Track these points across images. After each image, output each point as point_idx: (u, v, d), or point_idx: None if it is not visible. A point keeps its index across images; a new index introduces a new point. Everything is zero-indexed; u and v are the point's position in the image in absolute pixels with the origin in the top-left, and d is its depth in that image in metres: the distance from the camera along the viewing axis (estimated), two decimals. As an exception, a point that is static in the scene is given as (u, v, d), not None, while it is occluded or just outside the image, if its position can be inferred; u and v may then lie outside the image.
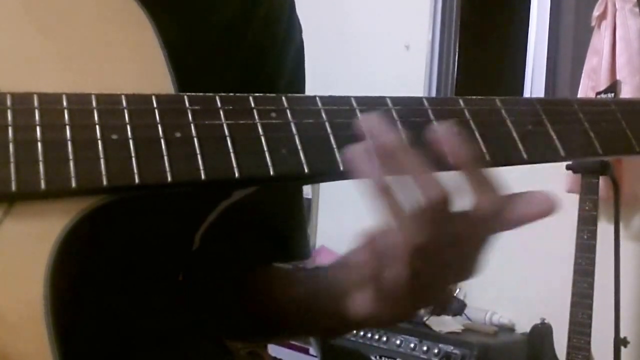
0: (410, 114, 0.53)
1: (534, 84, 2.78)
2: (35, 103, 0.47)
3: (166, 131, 0.48)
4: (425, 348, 2.34)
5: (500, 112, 0.55)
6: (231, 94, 0.51)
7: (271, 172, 0.48)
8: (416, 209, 0.47)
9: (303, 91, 0.75)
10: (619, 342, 2.02)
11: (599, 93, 2.16)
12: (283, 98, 0.51)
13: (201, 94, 0.50)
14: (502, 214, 0.50)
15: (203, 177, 0.47)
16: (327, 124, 0.51)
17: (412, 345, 2.36)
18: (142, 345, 0.61)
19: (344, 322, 0.58)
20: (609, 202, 2.17)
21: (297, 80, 0.75)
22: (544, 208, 0.52)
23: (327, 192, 3.02)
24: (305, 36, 0.77)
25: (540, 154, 0.55)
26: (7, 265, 0.44)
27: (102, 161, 0.46)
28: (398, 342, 2.39)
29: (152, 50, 0.54)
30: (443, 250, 0.49)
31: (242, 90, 0.52)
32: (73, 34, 0.53)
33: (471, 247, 0.51)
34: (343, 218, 3.01)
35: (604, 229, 2.12)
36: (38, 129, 0.46)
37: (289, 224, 0.76)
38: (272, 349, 2.86)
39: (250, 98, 0.51)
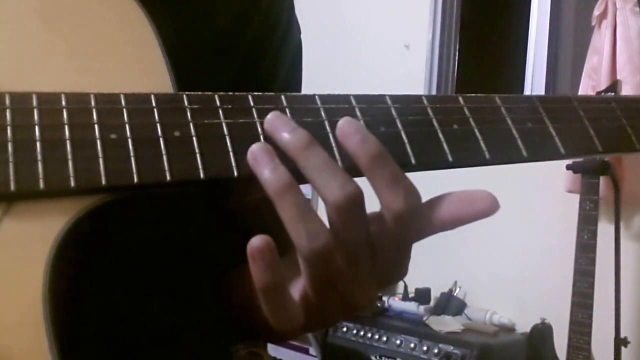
0: (409, 112, 0.53)
1: (534, 84, 2.79)
2: (34, 103, 0.47)
3: (165, 130, 0.48)
4: (425, 348, 2.34)
5: (500, 109, 0.55)
6: (230, 92, 0.51)
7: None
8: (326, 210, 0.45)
9: (298, 92, 0.75)
10: (619, 342, 2.02)
11: (599, 92, 2.16)
12: (282, 97, 0.51)
13: (200, 92, 0.50)
14: (419, 215, 0.47)
15: (202, 176, 0.47)
16: (326, 123, 0.50)
17: (412, 345, 2.36)
18: (141, 345, 0.61)
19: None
20: (609, 202, 2.17)
21: (293, 81, 0.75)
22: (484, 207, 0.48)
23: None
24: (305, 36, 0.77)
25: (541, 152, 0.55)
26: (6, 264, 0.43)
27: (100, 160, 0.45)
28: (398, 342, 2.40)
29: (151, 49, 0.53)
30: (356, 253, 0.46)
31: (239, 91, 0.52)
32: (72, 33, 0.53)
33: (389, 251, 0.48)
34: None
35: (604, 229, 2.12)
36: (37, 128, 0.46)
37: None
38: (272, 349, 2.86)
39: (250, 97, 0.51)
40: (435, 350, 2.32)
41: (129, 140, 0.47)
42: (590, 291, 2.01)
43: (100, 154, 0.46)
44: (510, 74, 2.98)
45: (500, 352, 2.37)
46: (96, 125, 0.47)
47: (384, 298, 2.60)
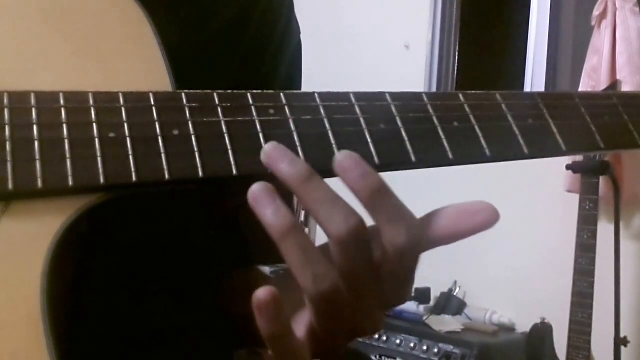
0: (409, 109, 0.53)
1: (534, 84, 2.79)
2: (33, 102, 0.47)
3: (164, 129, 0.48)
4: (425, 347, 2.34)
5: (501, 106, 0.55)
6: (229, 91, 0.51)
7: (269, 170, 0.48)
8: (326, 246, 0.44)
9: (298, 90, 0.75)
10: (619, 342, 2.02)
11: (599, 92, 2.15)
12: (281, 95, 0.51)
13: (199, 91, 0.50)
14: (418, 237, 0.46)
15: (201, 174, 0.47)
16: (325, 120, 0.50)
17: (412, 344, 2.36)
18: (141, 345, 0.61)
19: None
20: (609, 201, 2.17)
21: (293, 80, 0.75)
22: (484, 220, 0.47)
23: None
24: (305, 36, 0.77)
25: (542, 149, 0.54)
26: (4, 263, 0.43)
27: (99, 159, 0.45)
28: (398, 341, 2.39)
29: (150, 48, 0.53)
30: (361, 285, 0.45)
31: (239, 90, 0.52)
32: (72, 32, 0.53)
33: (393, 277, 0.47)
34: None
35: (604, 229, 2.12)
36: (35, 127, 0.46)
37: None
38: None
39: (249, 95, 0.51)
40: (435, 350, 2.32)
41: (128, 139, 0.47)
42: (590, 291, 2.01)
43: (98, 153, 0.46)
44: (510, 74, 2.98)
45: (500, 352, 2.37)
46: (95, 124, 0.47)
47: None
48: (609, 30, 2.33)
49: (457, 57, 3.06)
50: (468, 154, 0.53)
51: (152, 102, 0.49)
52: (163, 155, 0.46)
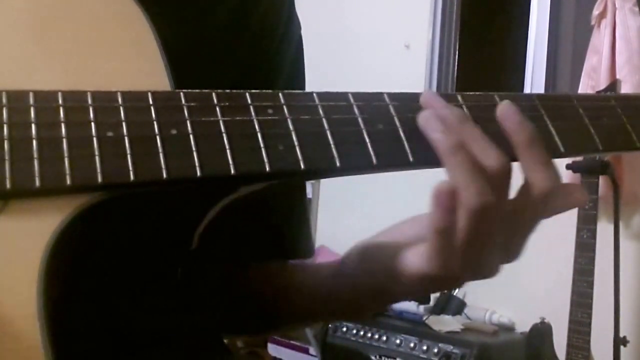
0: (407, 109, 0.53)
1: (534, 84, 2.79)
2: (31, 101, 0.47)
3: (162, 128, 0.48)
4: (425, 347, 2.34)
5: None
6: (227, 90, 0.51)
7: (267, 169, 0.48)
8: (483, 170, 0.51)
9: (303, 89, 0.75)
10: (619, 342, 2.02)
11: (599, 92, 2.16)
12: (280, 94, 0.51)
13: (197, 90, 0.50)
14: (554, 196, 0.53)
15: (199, 174, 0.47)
16: (324, 120, 0.50)
17: (411, 344, 2.36)
18: (140, 345, 0.60)
19: (390, 288, 0.59)
20: (609, 201, 2.17)
21: (297, 78, 0.75)
22: (578, 199, 0.54)
23: (328, 192, 3.02)
24: (304, 36, 0.77)
25: None
26: (1, 262, 0.43)
27: (97, 158, 0.45)
28: (398, 341, 2.40)
29: (148, 47, 0.53)
30: (501, 219, 0.51)
31: (241, 89, 0.52)
32: (70, 32, 0.53)
33: (521, 225, 0.54)
34: (343, 218, 3.01)
35: (604, 228, 2.12)
36: (33, 126, 0.46)
37: (290, 221, 0.76)
38: (272, 349, 2.86)
39: (247, 94, 0.51)
40: (435, 350, 2.32)
41: (126, 138, 0.47)
42: (589, 290, 2.01)
43: (96, 152, 0.46)
44: (510, 74, 2.98)
45: (499, 352, 2.37)
46: (93, 123, 0.47)
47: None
48: (609, 30, 2.33)
49: (457, 57, 3.06)
50: None
51: (151, 102, 0.49)
52: (161, 155, 0.46)
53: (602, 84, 2.27)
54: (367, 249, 0.61)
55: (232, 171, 0.47)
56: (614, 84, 2.12)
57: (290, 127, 0.50)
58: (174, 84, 0.52)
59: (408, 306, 2.52)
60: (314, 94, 0.52)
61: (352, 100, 0.52)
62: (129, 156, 0.46)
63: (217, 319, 0.75)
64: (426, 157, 0.51)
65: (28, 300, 0.42)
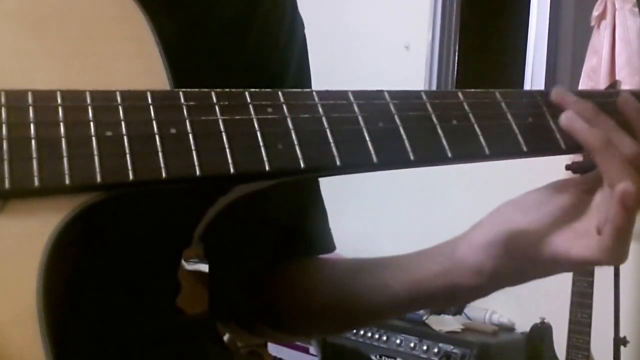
0: (408, 107, 0.53)
1: (534, 84, 2.78)
2: (30, 100, 0.47)
3: (161, 127, 0.47)
4: (425, 347, 2.34)
5: (500, 105, 0.55)
6: (227, 89, 0.51)
7: (267, 168, 0.48)
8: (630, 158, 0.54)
9: (309, 86, 0.75)
10: (619, 342, 2.02)
11: (599, 92, 2.15)
12: (279, 93, 0.51)
13: (197, 89, 0.50)
14: None
15: (198, 173, 0.46)
16: (324, 119, 0.50)
17: (412, 344, 2.36)
18: (140, 345, 0.60)
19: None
20: (609, 201, 2.16)
21: (303, 78, 0.75)
22: None
23: (328, 192, 3.01)
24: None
25: (541, 147, 0.55)
26: (0, 262, 0.43)
27: (96, 158, 0.45)
28: (398, 341, 2.39)
29: (147, 46, 0.53)
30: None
31: (250, 88, 0.52)
32: (68, 31, 0.52)
33: None
34: (343, 218, 3.01)
35: (604, 229, 2.12)
36: (32, 126, 0.46)
37: (308, 217, 0.76)
38: (273, 348, 2.86)
39: (246, 93, 0.50)
40: (435, 350, 2.31)
41: (125, 138, 0.46)
42: (589, 291, 2.01)
43: (95, 152, 0.46)
44: (509, 75, 2.98)
45: (499, 352, 2.37)
46: (92, 123, 0.47)
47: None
48: (608, 31, 2.33)
49: (457, 57, 3.06)
50: (467, 152, 0.53)
51: (150, 101, 0.49)
52: (160, 154, 0.46)
53: (602, 84, 2.26)
54: (510, 237, 0.61)
55: (232, 170, 0.47)
56: (613, 85, 2.11)
57: (290, 125, 0.49)
58: (174, 83, 0.52)
59: (408, 306, 2.51)
60: (314, 93, 0.52)
61: (352, 98, 0.52)
62: (128, 155, 0.46)
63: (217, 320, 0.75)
64: (427, 156, 0.51)
65: (28, 300, 0.42)
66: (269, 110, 0.50)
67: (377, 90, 0.53)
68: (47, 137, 0.45)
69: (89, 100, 0.48)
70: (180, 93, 0.50)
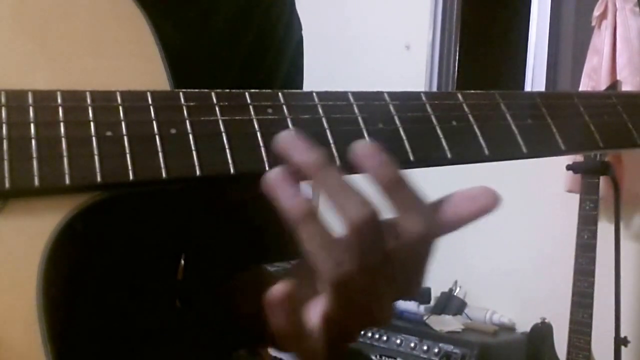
0: (407, 108, 0.53)
1: (535, 84, 2.78)
2: (30, 100, 0.47)
3: (161, 127, 0.47)
4: (425, 347, 2.34)
5: (500, 106, 0.55)
6: (227, 90, 0.51)
7: (267, 168, 0.48)
8: (341, 234, 0.44)
9: (300, 88, 0.75)
10: (620, 342, 2.02)
11: (599, 92, 2.15)
12: (279, 94, 0.51)
13: (197, 90, 0.50)
14: (434, 226, 0.46)
15: (198, 173, 0.46)
16: (323, 120, 0.50)
17: (412, 344, 2.36)
18: (140, 345, 0.60)
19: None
20: (609, 202, 2.17)
21: (294, 78, 0.75)
22: (486, 202, 0.47)
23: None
24: (305, 36, 0.77)
25: (541, 148, 0.55)
26: (0, 262, 0.43)
27: (96, 158, 0.45)
28: (398, 341, 2.39)
29: (147, 46, 0.53)
30: (375, 271, 0.45)
31: (240, 88, 0.52)
32: (69, 31, 0.53)
33: (407, 266, 0.47)
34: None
35: (605, 229, 2.12)
36: (32, 126, 0.46)
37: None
38: (273, 349, 2.86)
39: (246, 94, 0.50)
40: (436, 350, 2.31)
41: (125, 138, 0.47)
42: (590, 291, 2.01)
43: (95, 152, 0.46)
44: (510, 75, 2.98)
45: (500, 352, 2.37)
46: (92, 123, 0.47)
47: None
48: (609, 31, 2.33)
49: (457, 57, 3.06)
50: (466, 153, 0.52)
51: (150, 101, 0.49)
52: (160, 154, 0.46)
53: (603, 84, 2.26)
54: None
55: (232, 170, 0.47)
56: (614, 85, 2.12)
57: (290, 126, 0.49)
58: (173, 83, 0.52)
59: (408, 306, 2.52)
60: (314, 93, 0.52)
61: (352, 99, 0.52)
62: (128, 155, 0.46)
63: (217, 320, 0.75)
64: (427, 157, 0.51)
65: (28, 300, 0.42)
66: (269, 111, 0.50)
67: (377, 92, 0.53)
68: (47, 137, 0.45)
69: (89, 101, 0.48)
70: (180, 93, 0.50)
